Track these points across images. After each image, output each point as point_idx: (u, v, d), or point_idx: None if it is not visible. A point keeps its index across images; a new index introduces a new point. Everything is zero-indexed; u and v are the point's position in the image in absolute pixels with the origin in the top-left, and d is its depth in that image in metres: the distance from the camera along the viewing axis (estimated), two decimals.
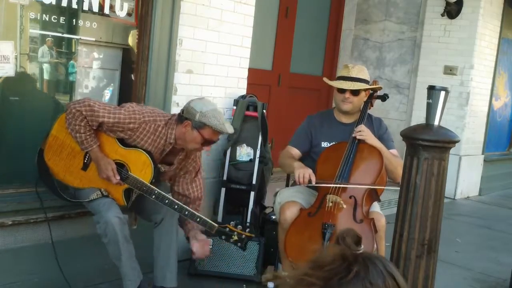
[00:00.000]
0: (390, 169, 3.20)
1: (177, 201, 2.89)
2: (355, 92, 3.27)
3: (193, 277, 3.52)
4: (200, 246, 2.99)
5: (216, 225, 2.91)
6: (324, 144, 3.34)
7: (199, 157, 3.16)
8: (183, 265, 3.65)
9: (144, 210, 3.05)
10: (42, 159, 2.84)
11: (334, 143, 3.29)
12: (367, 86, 3.31)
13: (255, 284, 3.52)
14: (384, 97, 3.49)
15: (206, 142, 2.89)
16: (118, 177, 2.80)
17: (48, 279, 2.92)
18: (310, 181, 3.05)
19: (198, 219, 2.87)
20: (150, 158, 2.85)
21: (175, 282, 2.98)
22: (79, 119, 2.70)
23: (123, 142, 2.86)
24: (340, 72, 3.39)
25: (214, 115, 2.82)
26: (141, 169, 2.84)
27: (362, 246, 1.03)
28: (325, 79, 3.49)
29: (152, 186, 2.83)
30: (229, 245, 3.54)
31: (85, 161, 2.86)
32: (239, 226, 3.00)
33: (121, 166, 2.85)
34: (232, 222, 3.06)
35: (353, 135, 3.18)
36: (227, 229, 2.93)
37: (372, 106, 3.43)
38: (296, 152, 3.37)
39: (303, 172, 3.06)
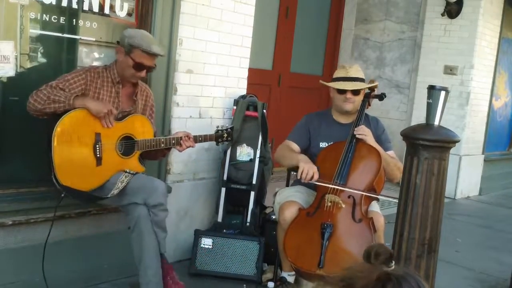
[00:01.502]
0: (388, 171, 3.20)
1: (177, 135, 3.07)
2: (356, 92, 3.28)
3: (193, 276, 3.52)
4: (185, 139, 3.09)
5: (212, 133, 3.24)
6: (323, 145, 3.34)
7: (151, 96, 3.25)
8: (183, 265, 3.66)
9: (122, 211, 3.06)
10: (59, 183, 2.79)
11: (332, 143, 3.30)
12: (368, 85, 3.34)
13: (255, 284, 3.52)
14: (381, 96, 3.49)
15: (138, 66, 2.98)
16: (115, 111, 2.90)
17: (48, 279, 2.92)
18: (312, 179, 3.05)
19: (200, 139, 3.15)
20: (142, 115, 3.05)
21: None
22: (43, 93, 2.75)
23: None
24: (338, 73, 3.38)
25: (141, 38, 2.99)
26: (142, 129, 3.02)
27: (393, 262, 1.01)
28: (322, 82, 3.49)
29: (157, 137, 3.04)
30: (229, 246, 3.56)
31: (97, 155, 2.86)
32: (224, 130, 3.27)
33: (128, 138, 2.95)
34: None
35: (354, 133, 3.18)
36: (218, 132, 3.24)
37: (369, 105, 3.43)
38: (295, 147, 3.37)
39: (308, 168, 3.04)
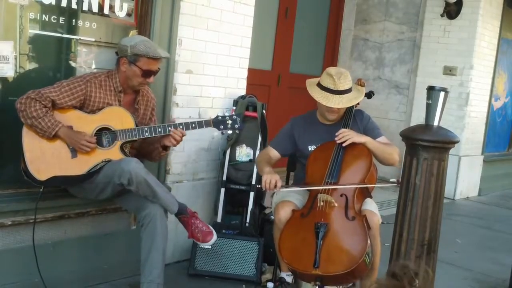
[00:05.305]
0: (385, 156, 3.17)
1: (166, 124, 3.02)
2: None
3: (192, 277, 3.52)
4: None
5: (209, 118, 3.07)
6: (311, 147, 3.30)
7: (153, 99, 3.24)
8: (183, 265, 3.66)
9: (132, 208, 3.07)
10: (33, 177, 2.82)
11: (320, 144, 3.27)
12: (356, 101, 3.20)
13: (254, 284, 3.52)
14: (369, 95, 3.47)
15: (146, 73, 2.99)
16: (94, 139, 2.86)
17: (48, 279, 2.92)
18: (276, 186, 3.03)
19: (193, 125, 3.00)
20: (119, 106, 2.99)
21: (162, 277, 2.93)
22: (31, 104, 2.76)
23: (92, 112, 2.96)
24: (324, 81, 3.15)
25: (144, 44, 2.97)
26: (121, 120, 2.95)
27: (417, 281, 1.03)
28: (308, 88, 3.23)
29: (139, 127, 2.95)
30: (228, 246, 3.56)
31: (70, 147, 2.87)
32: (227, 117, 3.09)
33: (106, 129, 2.93)
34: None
35: (336, 140, 3.12)
36: (219, 117, 3.06)
37: (358, 104, 3.38)
38: (274, 153, 3.35)
39: (270, 178, 3.04)
